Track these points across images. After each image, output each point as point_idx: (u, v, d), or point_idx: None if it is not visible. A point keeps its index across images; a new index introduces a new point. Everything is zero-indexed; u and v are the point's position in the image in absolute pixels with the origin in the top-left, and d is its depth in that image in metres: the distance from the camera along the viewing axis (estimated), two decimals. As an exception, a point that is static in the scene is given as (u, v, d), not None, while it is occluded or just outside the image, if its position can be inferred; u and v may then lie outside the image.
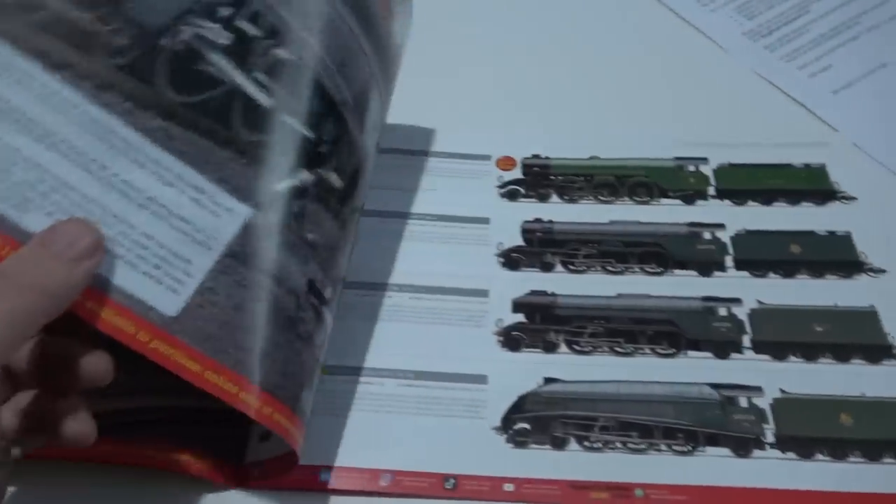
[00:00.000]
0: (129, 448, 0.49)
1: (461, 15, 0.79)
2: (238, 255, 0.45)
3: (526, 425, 0.51)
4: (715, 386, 0.54)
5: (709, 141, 0.67)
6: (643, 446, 0.51)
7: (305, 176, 0.48)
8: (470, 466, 0.50)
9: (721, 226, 0.62)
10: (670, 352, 0.56)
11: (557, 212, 0.63)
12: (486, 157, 0.66)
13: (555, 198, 0.63)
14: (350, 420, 0.52)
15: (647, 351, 0.56)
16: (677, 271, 0.60)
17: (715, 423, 0.52)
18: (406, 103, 0.64)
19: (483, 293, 0.57)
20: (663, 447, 0.51)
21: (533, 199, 0.63)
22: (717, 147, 0.67)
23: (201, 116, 0.46)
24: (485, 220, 0.62)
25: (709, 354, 0.56)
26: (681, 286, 0.59)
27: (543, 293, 0.58)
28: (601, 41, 0.77)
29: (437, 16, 0.71)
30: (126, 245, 0.42)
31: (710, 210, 0.63)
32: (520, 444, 0.51)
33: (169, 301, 0.42)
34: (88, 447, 0.42)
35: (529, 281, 0.58)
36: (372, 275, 0.58)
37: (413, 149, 0.66)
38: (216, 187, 0.45)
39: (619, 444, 0.51)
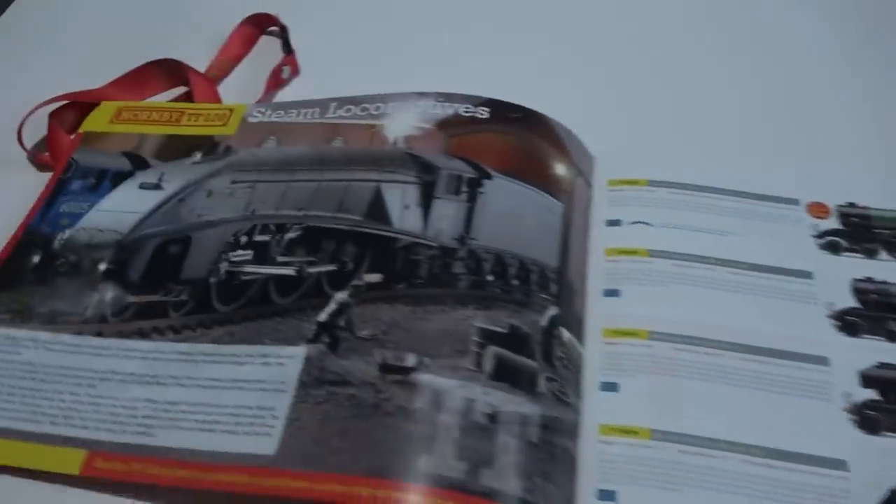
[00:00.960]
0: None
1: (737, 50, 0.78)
2: (307, 383, 0.53)
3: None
4: None
5: None
6: None
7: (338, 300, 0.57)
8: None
9: None
10: None
11: (889, 271, 0.56)
12: (794, 202, 0.60)
13: (883, 254, 0.57)
14: (679, 496, 0.47)
15: None
16: None
17: None
18: (689, 135, 0.64)
19: (822, 360, 0.51)
20: None
21: (858, 255, 0.57)
22: None
23: (249, 308, 0.58)
24: (807, 275, 0.56)
25: None
26: None
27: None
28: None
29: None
30: (224, 420, 0.53)
31: None
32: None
33: (267, 444, 0.51)
34: None
35: (876, 351, 0.52)
36: (686, 327, 0.54)
37: (698, 184, 0.62)
38: (274, 346, 0.55)
39: None
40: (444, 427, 0.49)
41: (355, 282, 0.57)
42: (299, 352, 0.55)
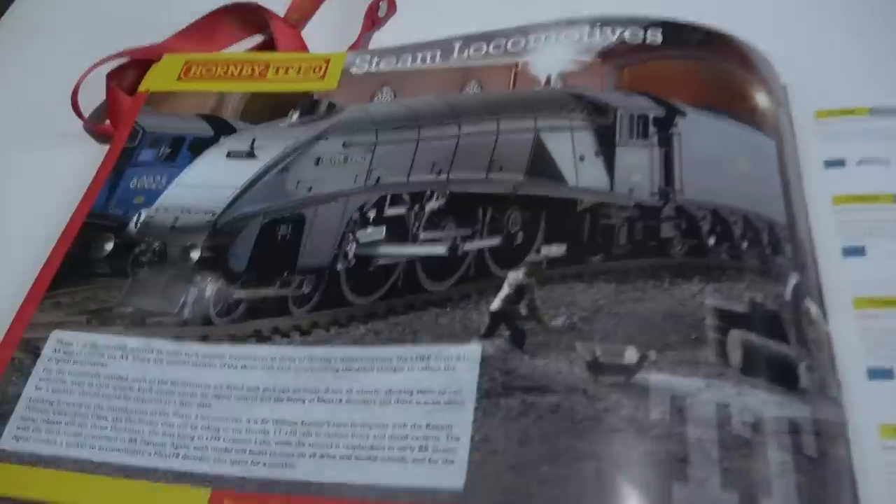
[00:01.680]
0: None
1: None
2: (490, 391, 0.40)
3: None
4: None
5: None
6: None
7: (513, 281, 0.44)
8: None
9: None
10: None
11: None
12: None
13: None
14: None
15: None
16: None
17: None
18: None
19: None
20: None
21: None
22: None
23: (394, 299, 0.45)
24: None
25: None
26: None
27: None
28: None
29: None
30: (386, 445, 0.40)
31: None
32: None
33: (450, 475, 0.38)
34: None
35: None
36: None
37: None
38: (436, 346, 0.43)
39: None
40: (696, 444, 0.36)
41: (531, 257, 0.44)
42: (472, 351, 0.42)
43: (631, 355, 0.39)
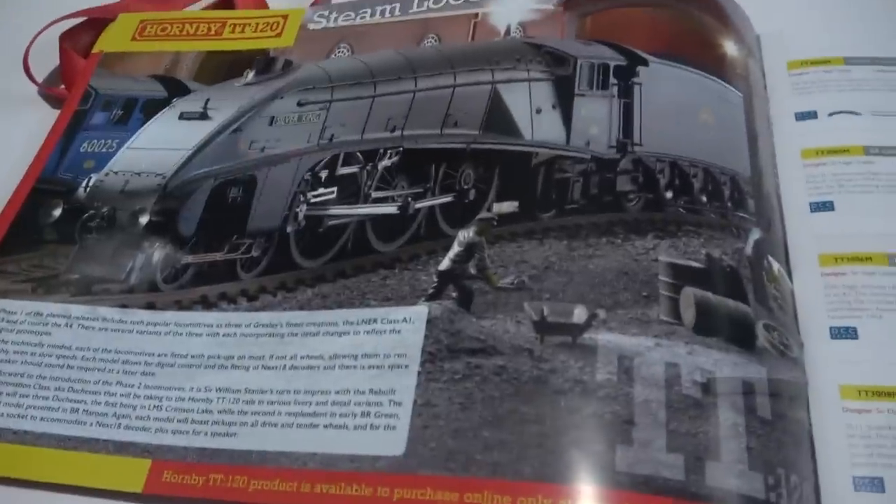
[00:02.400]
0: None
1: None
2: (435, 354, 0.39)
3: None
4: None
5: None
6: None
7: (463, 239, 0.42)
8: None
9: None
10: None
11: None
12: None
13: None
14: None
15: None
16: None
17: None
18: None
19: None
20: None
21: None
22: None
23: (342, 262, 0.44)
24: None
25: None
26: None
27: None
28: None
29: None
30: (329, 412, 0.39)
31: None
32: None
33: (391, 441, 0.37)
34: None
35: None
36: None
37: None
38: (383, 309, 0.41)
39: None
40: (643, 405, 0.35)
41: (482, 215, 0.42)
42: (418, 312, 0.41)
43: (580, 314, 0.38)
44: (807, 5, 0.54)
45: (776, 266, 0.41)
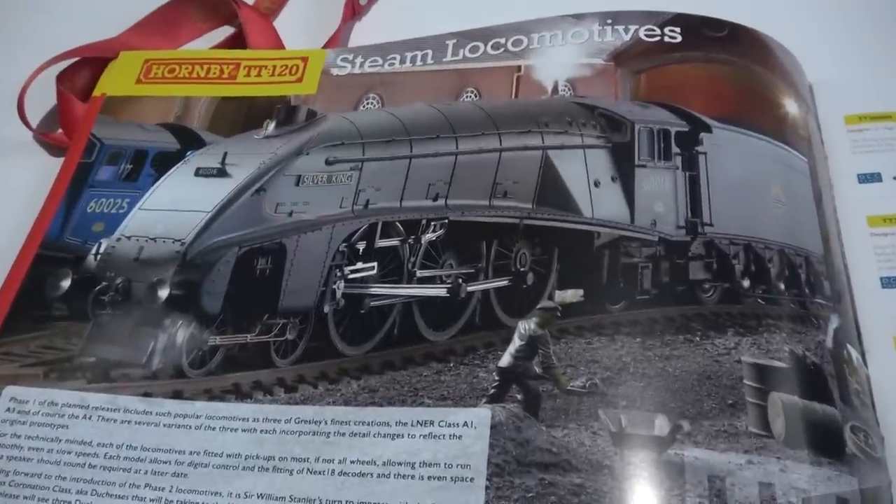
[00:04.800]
0: None
1: None
2: (503, 467, 0.36)
3: None
4: None
5: None
6: None
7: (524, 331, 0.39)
8: None
9: None
10: None
11: None
12: None
13: None
14: None
15: None
16: None
17: None
18: None
19: None
20: None
21: None
22: None
23: (389, 350, 0.41)
24: None
25: None
26: None
27: None
28: None
29: None
30: (387, 528, 0.36)
31: None
32: None
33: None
34: None
35: None
36: None
37: None
38: (439, 409, 0.38)
39: None
40: None
41: (544, 304, 0.39)
42: (481, 416, 0.37)
43: (662, 425, 0.35)
44: (861, 52, 0.52)
45: (854, 355, 0.39)
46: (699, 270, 0.40)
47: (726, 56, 0.47)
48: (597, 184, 0.43)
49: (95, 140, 0.52)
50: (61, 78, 0.55)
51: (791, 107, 0.46)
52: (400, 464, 0.37)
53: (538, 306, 0.39)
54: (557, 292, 0.40)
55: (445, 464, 0.37)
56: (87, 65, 0.56)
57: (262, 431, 0.40)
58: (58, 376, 0.43)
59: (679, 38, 0.47)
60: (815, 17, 0.54)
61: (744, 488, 0.33)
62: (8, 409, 0.42)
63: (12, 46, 0.60)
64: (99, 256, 0.47)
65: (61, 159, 0.52)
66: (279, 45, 0.58)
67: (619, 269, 0.40)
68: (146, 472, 0.39)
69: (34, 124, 0.55)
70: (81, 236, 0.48)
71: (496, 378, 0.38)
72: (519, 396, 0.38)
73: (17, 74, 0.54)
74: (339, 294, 0.43)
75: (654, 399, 0.36)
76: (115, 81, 0.55)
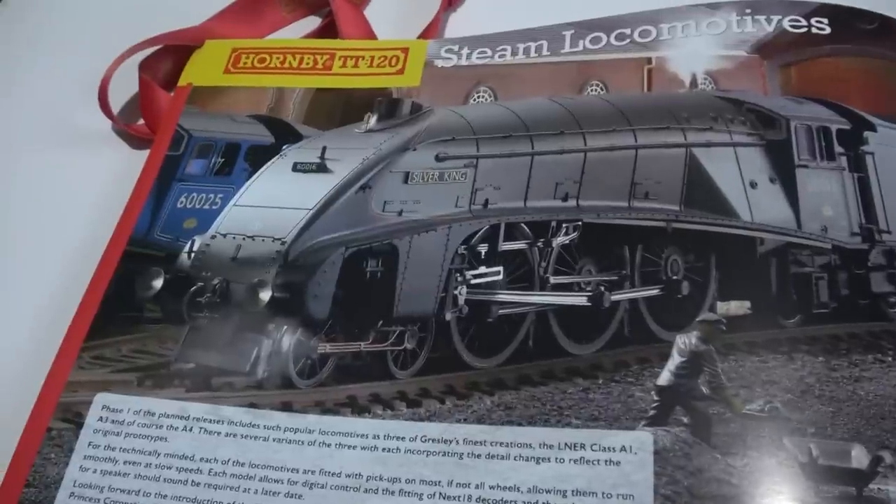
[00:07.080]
0: None
1: None
2: (673, 499, 0.32)
3: None
4: None
5: None
6: None
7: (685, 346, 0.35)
8: None
9: None
10: None
11: None
12: None
13: None
14: None
15: None
16: None
17: None
18: None
19: None
20: None
21: None
22: None
23: (523, 364, 0.37)
24: None
25: None
26: None
27: None
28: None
29: None
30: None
31: None
32: None
33: None
34: None
35: None
36: None
37: None
38: (592, 431, 0.34)
39: None
40: None
41: (706, 316, 0.35)
42: (642, 441, 0.34)
43: (860, 457, 0.31)
44: None
45: None
46: (882, 282, 0.36)
47: (880, 49, 0.43)
48: (753, 185, 0.39)
49: (183, 132, 0.49)
50: (144, 66, 0.52)
51: (954, 104, 0.42)
52: (548, 491, 0.33)
53: (699, 318, 0.35)
54: (720, 303, 0.36)
55: (603, 493, 0.33)
56: (170, 53, 0.53)
57: (383, 450, 0.36)
58: (153, 383, 0.39)
59: (828, 30, 0.43)
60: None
61: (959, 530, 0.29)
62: (101, 419, 0.38)
63: (91, 35, 0.57)
64: (193, 255, 0.43)
65: (144, 151, 0.49)
66: (371, 35, 0.54)
67: (790, 280, 0.36)
68: (256, 492, 0.36)
69: (115, 114, 0.52)
70: (172, 233, 0.45)
71: (655, 398, 0.34)
72: (685, 419, 0.34)
73: (94, 63, 0.51)
74: (461, 300, 0.39)
75: (848, 426, 0.32)
76: (202, 71, 0.52)
